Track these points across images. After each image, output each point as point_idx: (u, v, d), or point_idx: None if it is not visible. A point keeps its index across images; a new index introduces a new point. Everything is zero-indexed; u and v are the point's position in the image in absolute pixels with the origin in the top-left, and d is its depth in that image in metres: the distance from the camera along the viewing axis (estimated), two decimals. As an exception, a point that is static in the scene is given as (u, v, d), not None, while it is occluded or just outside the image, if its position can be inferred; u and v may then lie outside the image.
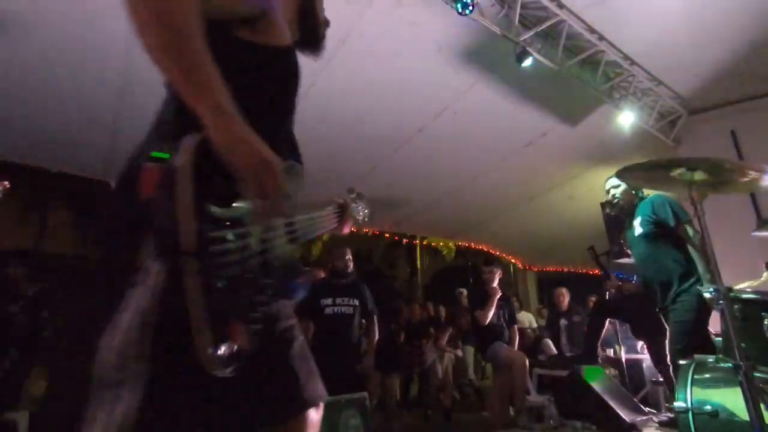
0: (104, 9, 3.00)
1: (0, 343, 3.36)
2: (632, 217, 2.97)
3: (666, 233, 2.73)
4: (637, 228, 2.88)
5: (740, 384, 1.42)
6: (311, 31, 1.05)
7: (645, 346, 4.10)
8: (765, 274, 2.62)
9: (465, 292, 6.57)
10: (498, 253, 9.44)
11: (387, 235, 8.36)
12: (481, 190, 6.01)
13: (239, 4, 0.82)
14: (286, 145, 0.96)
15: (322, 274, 4.07)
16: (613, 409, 3.17)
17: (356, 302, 3.47)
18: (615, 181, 3.10)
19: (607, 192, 3.18)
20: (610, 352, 4.76)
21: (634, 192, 3.01)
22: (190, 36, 0.67)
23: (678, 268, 2.65)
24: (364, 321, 3.57)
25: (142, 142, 0.79)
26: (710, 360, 1.96)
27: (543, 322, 6.81)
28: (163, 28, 0.66)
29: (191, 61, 0.67)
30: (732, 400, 1.78)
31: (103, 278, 0.70)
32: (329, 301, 3.37)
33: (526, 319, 6.37)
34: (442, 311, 6.77)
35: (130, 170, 0.72)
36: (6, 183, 1.99)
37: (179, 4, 0.67)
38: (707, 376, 1.92)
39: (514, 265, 10.17)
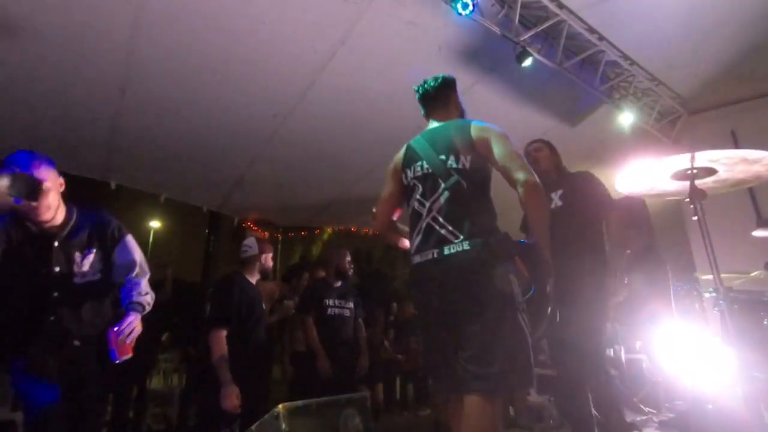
0: (105, 10, 3.01)
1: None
2: (548, 189, 2.54)
3: (587, 216, 2.40)
4: (556, 200, 2.53)
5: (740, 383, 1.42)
6: None
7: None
8: (757, 272, 2.61)
9: None
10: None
11: (387, 235, 8.33)
12: (481, 190, 6.00)
13: None
14: None
15: (323, 273, 4.08)
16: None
17: (352, 305, 3.56)
18: (539, 144, 2.72)
19: (526, 155, 2.66)
20: (610, 352, 4.75)
21: (557, 162, 2.65)
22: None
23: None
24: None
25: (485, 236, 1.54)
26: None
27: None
28: (546, 216, 1.57)
29: (547, 229, 1.54)
30: (732, 399, 1.78)
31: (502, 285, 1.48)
32: (331, 301, 3.44)
33: None
34: None
35: (504, 255, 1.51)
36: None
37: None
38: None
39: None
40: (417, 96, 1.96)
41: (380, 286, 8.60)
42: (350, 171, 5.35)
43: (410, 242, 1.71)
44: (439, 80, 1.90)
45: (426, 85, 1.92)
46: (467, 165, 1.62)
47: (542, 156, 2.65)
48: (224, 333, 2.53)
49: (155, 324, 4.24)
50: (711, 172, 1.66)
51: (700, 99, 4.61)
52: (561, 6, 3.35)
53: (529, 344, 1.46)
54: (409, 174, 1.76)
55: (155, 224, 18.01)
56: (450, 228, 1.54)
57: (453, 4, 2.99)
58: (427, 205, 1.63)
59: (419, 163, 1.72)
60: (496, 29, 3.25)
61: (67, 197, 1.93)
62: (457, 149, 1.65)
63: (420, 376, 5.58)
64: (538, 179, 1.55)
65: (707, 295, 2.47)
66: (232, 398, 2.37)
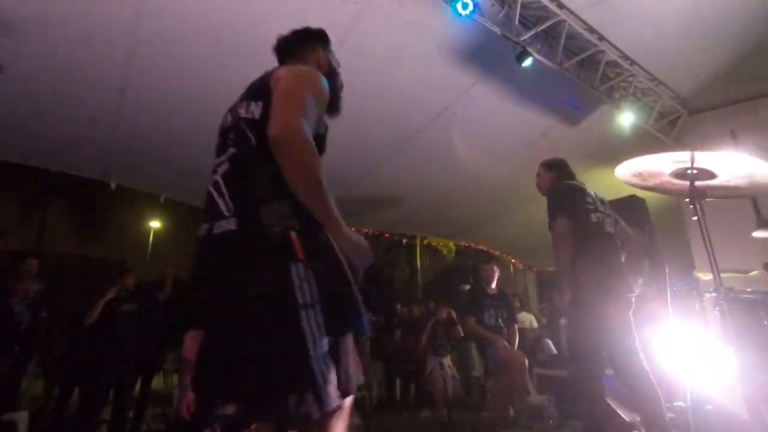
0: (104, 9, 3.01)
1: (4, 341, 3.35)
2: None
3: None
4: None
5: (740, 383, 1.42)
6: (335, 105, 1.52)
7: None
8: (755, 272, 2.62)
9: (468, 287, 6.51)
10: (498, 253, 9.44)
11: (387, 235, 8.36)
12: (481, 190, 6.01)
13: (324, 127, 1.36)
14: None
15: None
16: (613, 410, 3.16)
17: None
18: (538, 172, 2.83)
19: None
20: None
21: (553, 177, 2.74)
22: (324, 188, 1.19)
23: None
24: None
25: (258, 203, 1.17)
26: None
27: (545, 321, 6.80)
28: (317, 184, 1.19)
29: (326, 200, 1.19)
30: (732, 399, 1.78)
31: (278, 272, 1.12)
32: None
33: (527, 319, 6.34)
34: (444, 311, 6.75)
35: (275, 231, 1.14)
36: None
37: (320, 172, 1.20)
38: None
39: (514, 265, 10.17)
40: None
41: (380, 287, 8.61)
42: (350, 171, 5.34)
43: None
44: (297, 31, 1.59)
45: (280, 37, 1.58)
46: (257, 114, 1.24)
47: (540, 183, 2.82)
48: (190, 335, 2.52)
49: (162, 323, 4.26)
50: (710, 175, 1.66)
51: (700, 99, 4.61)
52: (561, 6, 3.35)
53: (308, 354, 1.06)
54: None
55: (155, 224, 18.02)
56: (226, 197, 1.21)
57: (453, 4, 2.99)
58: (214, 164, 1.32)
59: (226, 116, 1.40)
60: (496, 29, 3.25)
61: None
62: (251, 95, 1.31)
63: (423, 377, 5.58)
64: (296, 128, 1.15)
65: (708, 295, 2.47)
66: (181, 403, 2.40)
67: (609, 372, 3.97)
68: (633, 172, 1.83)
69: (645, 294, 3.25)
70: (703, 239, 1.64)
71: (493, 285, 4.12)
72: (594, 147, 5.18)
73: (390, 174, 5.32)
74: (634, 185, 1.98)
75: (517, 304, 6.39)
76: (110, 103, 3.88)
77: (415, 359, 5.56)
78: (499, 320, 4.05)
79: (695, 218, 1.68)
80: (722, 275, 1.64)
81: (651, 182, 1.85)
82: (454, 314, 5.04)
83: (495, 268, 4.17)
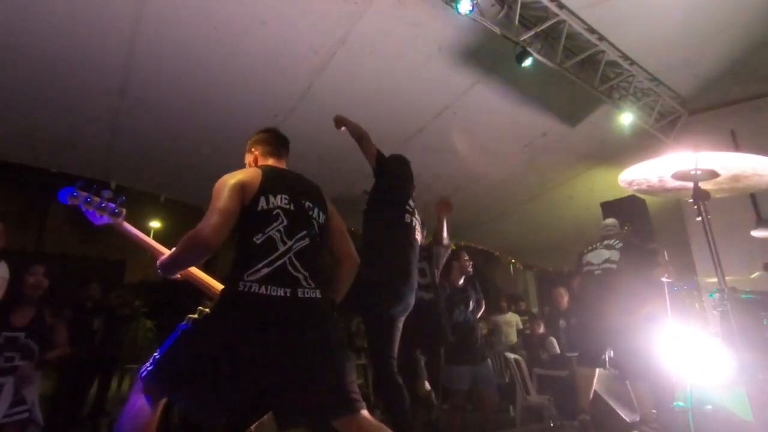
0: (105, 10, 3.01)
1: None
2: None
3: None
4: None
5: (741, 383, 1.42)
6: None
7: None
8: (756, 273, 2.62)
9: None
10: (498, 253, 9.44)
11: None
12: (481, 190, 6.00)
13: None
14: None
15: None
16: (613, 409, 3.17)
17: None
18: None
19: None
20: (611, 351, 4.73)
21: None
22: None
23: None
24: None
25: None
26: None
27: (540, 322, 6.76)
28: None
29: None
30: (732, 399, 1.78)
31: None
32: None
33: (513, 320, 6.27)
34: None
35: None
36: None
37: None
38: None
39: (514, 265, 10.16)
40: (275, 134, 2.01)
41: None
42: (350, 171, 5.34)
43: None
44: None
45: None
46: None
47: None
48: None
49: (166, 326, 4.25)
50: (713, 174, 1.65)
51: (700, 99, 4.60)
52: (561, 6, 3.35)
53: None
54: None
55: (155, 224, 18.01)
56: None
57: (453, 5, 2.99)
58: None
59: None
60: (496, 29, 3.25)
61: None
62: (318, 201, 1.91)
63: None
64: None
65: (711, 296, 2.47)
66: None
67: (609, 371, 3.97)
68: (635, 179, 1.82)
69: (645, 294, 3.25)
70: (708, 240, 1.64)
71: (462, 279, 3.78)
72: (594, 147, 5.18)
73: (390, 174, 5.31)
74: (636, 191, 1.97)
75: (504, 304, 6.36)
76: (110, 104, 3.88)
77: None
78: (469, 314, 3.70)
79: (699, 219, 1.67)
80: (726, 278, 1.63)
81: (655, 186, 1.85)
82: None
83: (465, 259, 3.79)
